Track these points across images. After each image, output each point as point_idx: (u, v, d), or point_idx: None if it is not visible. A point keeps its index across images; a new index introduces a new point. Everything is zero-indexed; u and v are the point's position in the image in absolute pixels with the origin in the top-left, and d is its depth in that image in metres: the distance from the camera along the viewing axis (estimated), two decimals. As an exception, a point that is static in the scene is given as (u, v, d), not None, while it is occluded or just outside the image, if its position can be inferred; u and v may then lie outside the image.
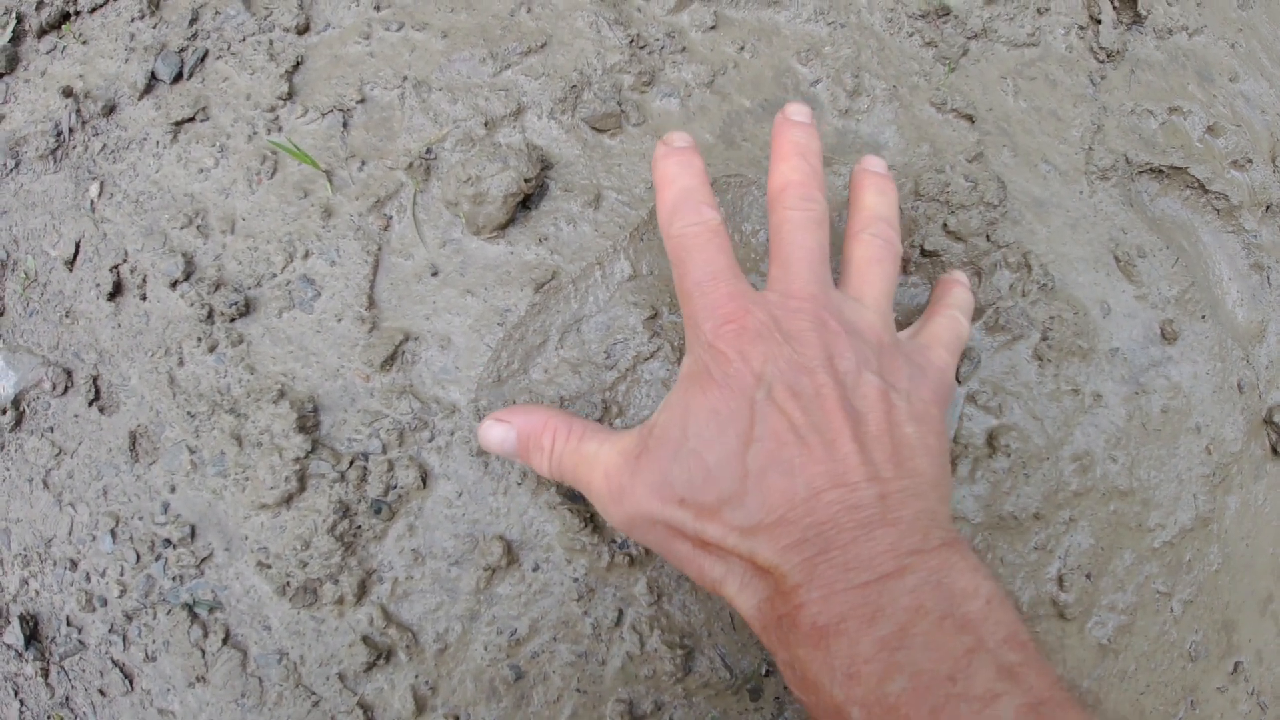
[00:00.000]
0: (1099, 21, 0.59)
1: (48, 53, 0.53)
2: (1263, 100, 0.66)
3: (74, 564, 0.46)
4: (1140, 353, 0.53)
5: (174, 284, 0.46)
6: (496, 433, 0.36)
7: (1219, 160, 0.61)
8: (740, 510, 0.28)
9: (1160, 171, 0.59)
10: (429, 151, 0.46)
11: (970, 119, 0.52)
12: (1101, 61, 0.59)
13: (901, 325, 0.46)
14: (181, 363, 0.45)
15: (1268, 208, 0.62)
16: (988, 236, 0.49)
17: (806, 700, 0.27)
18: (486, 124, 0.46)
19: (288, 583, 0.42)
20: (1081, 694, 0.50)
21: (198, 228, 0.47)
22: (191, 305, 0.45)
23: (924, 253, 0.48)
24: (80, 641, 0.46)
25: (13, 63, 0.53)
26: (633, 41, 0.48)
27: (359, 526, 0.42)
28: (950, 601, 0.25)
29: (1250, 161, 0.62)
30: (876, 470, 0.28)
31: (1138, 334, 0.54)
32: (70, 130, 0.50)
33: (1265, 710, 0.58)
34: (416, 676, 0.42)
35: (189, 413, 0.44)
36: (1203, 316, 0.57)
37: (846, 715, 0.25)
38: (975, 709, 0.23)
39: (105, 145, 0.50)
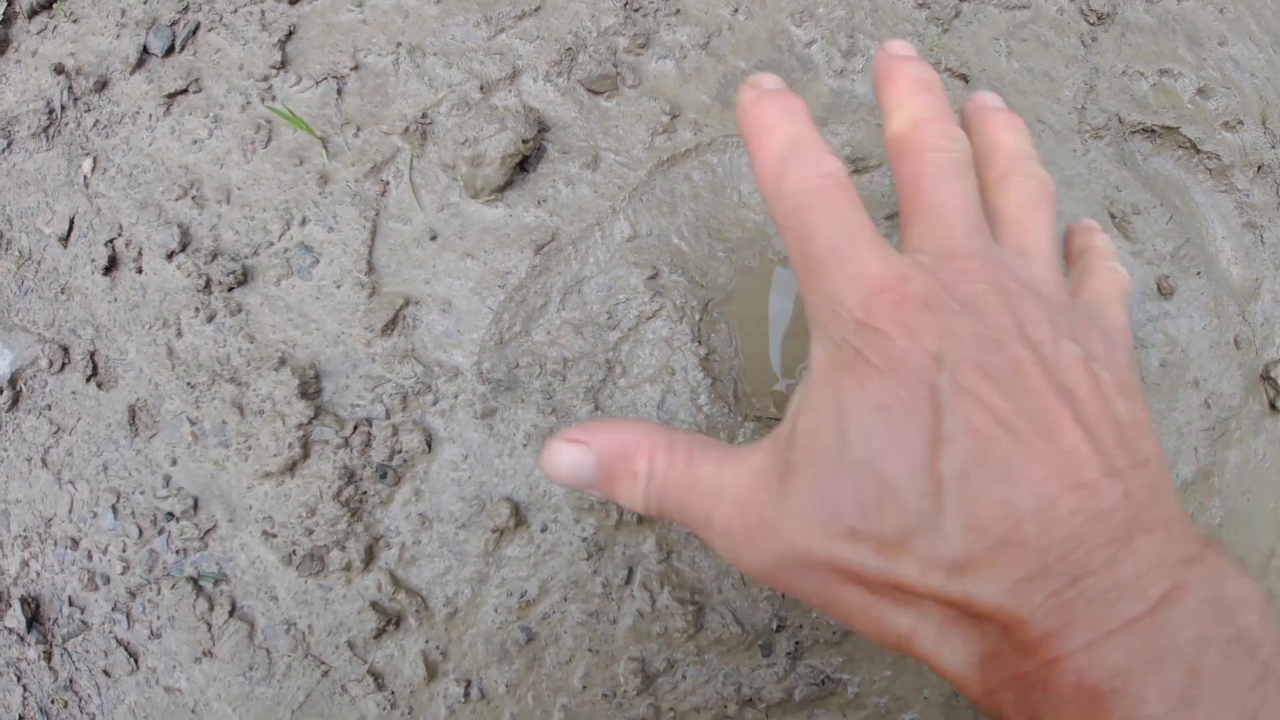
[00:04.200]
0: (1088, -17, 0.59)
1: (38, 33, 0.52)
2: (1251, 64, 0.66)
3: (75, 543, 0.46)
4: (1138, 307, 0.54)
5: (170, 255, 0.45)
6: (568, 458, 0.27)
7: (1210, 121, 0.61)
8: (940, 538, 0.21)
9: (1153, 131, 0.59)
10: (425, 116, 0.46)
11: (965, 79, 0.52)
12: (1092, 24, 0.59)
13: None
14: (180, 334, 0.45)
15: (1259, 168, 0.62)
16: (985, 192, 0.49)
17: None
18: (482, 88, 0.46)
19: (294, 551, 0.42)
20: None
21: (193, 199, 0.46)
22: (188, 276, 0.45)
23: (922, 208, 0.48)
24: (83, 622, 0.46)
25: (3, 44, 0.52)
26: (627, 4, 0.48)
27: (364, 492, 0.42)
28: (1230, 620, 0.20)
29: (1241, 123, 0.63)
30: (1112, 462, 0.22)
31: (1135, 289, 0.54)
32: (62, 107, 0.50)
33: (1270, 666, 0.59)
34: (427, 641, 0.42)
35: (189, 384, 0.44)
36: (1198, 273, 0.57)
37: None
38: None
39: (98, 121, 0.49)
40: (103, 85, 0.50)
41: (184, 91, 0.48)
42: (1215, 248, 0.61)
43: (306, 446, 0.42)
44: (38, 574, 0.46)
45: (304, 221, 0.45)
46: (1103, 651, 0.20)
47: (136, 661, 0.44)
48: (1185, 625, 0.20)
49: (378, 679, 0.42)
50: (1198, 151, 0.60)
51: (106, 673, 0.45)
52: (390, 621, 0.41)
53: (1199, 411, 0.54)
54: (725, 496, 0.25)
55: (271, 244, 0.45)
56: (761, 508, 0.24)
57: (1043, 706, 0.20)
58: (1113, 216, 0.54)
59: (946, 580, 0.21)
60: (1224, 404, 0.56)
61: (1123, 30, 0.61)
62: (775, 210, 0.26)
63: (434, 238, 0.45)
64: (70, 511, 0.46)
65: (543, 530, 0.42)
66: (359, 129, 0.46)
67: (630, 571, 0.42)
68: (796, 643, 0.43)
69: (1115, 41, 0.60)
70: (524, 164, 0.45)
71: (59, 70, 0.50)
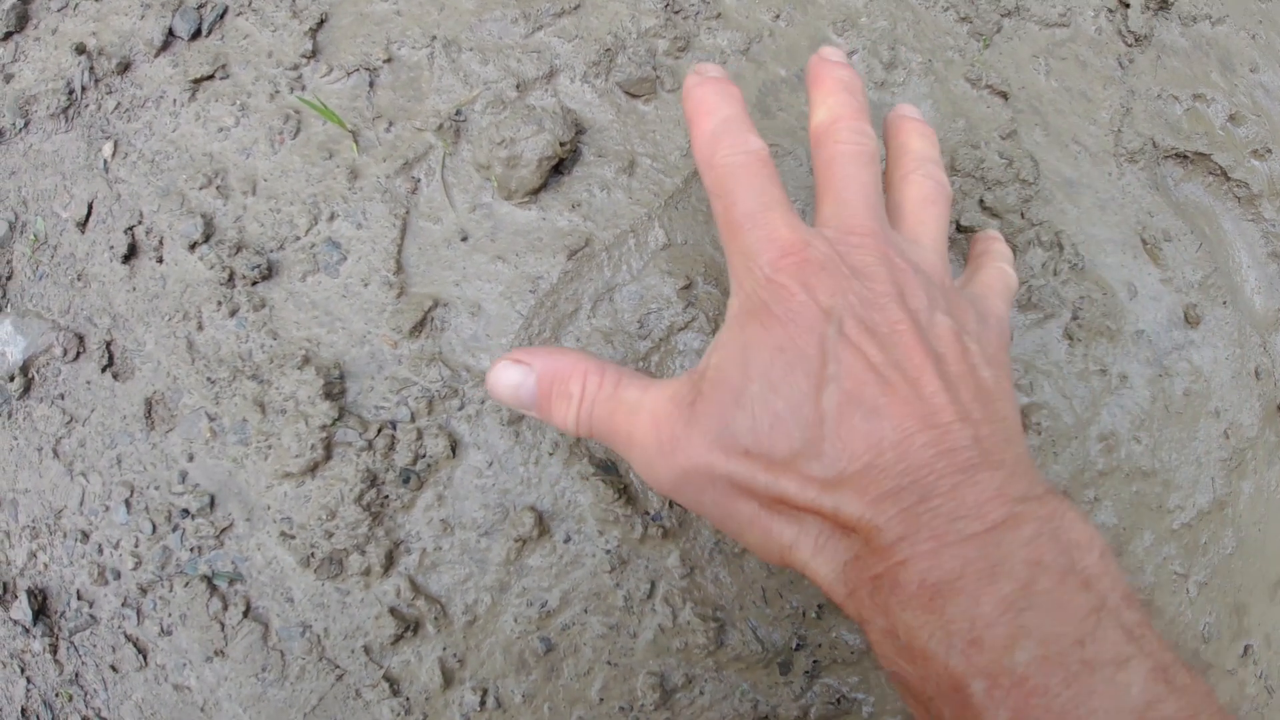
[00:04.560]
0: (1127, 5, 0.59)
1: (59, 10, 0.51)
2: (1281, 90, 0.66)
3: (85, 535, 0.45)
4: (1164, 335, 0.54)
5: (192, 246, 0.44)
6: (511, 376, 0.31)
7: (1240, 149, 0.61)
8: (818, 461, 0.25)
9: (1185, 157, 0.59)
10: (459, 113, 0.45)
11: (1004, 96, 0.52)
12: (1129, 45, 0.59)
13: None
14: (201, 327, 0.44)
15: (1286, 196, 0.62)
16: (1022, 214, 0.49)
17: (909, 672, 0.24)
18: (518, 86, 0.45)
19: (312, 554, 0.41)
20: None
21: (217, 188, 0.45)
22: (211, 268, 0.44)
23: (960, 228, 0.48)
24: (91, 616, 0.45)
25: (23, 21, 0.51)
26: (667, 6, 0.47)
27: (386, 496, 0.41)
28: (1068, 555, 0.23)
29: (1270, 151, 0.63)
30: (966, 411, 0.26)
31: (1162, 317, 0.54)
32: (83, 89, 0.49)
33: (1272, 694, 0.59)
34: (444, 649, 0.41)
35: (208, 379, 0.43)
36: (1224, 302, 0.57)
37: (965, 688, 0.22)
38: (1107, 676, 0.21)
39: (120, 104, 0.48)
40: (125, 67, 0.48)
41: (210, 77, 0.47)
42: (1240, 277, 0.60)
43: (329, 448, 0.41)
44: (45, 566, 0.45)
45: (332, 217, 0.44)
46: (943, 558, 0.23)
47: (145, 658, 0.44)
48: (1020, 548, 0.23)
49: (393, 685, 0.41)
50: (1227, 179, 0.60)
51: (114, 668, 0.44)
52: (408, 627, 0.41)
53: (1218, 441, 0.54)
54: (645, 415, 0.29)
55: (298, 238, 0.44)
56: (674, 426, 0.28)
57: (892, 600, 0.24)
58: (1144, 242, 0.54)
59: (820, 495, 0.26)
60: (1242, 434, 0.56)
61: (1158, 53, 0.60)
62: (707, 179, 0.31)
63: (465, 239, 0.44)
64: (81, 504, 0.45)
65: (566, 541, 0.42)
66: (391, 123, 0.45)
67: (653, 585, 0.42)
68: (815, 661, 0.43)
69: (1151, 64, 0.59)
70: (559, 167, 0.44)
71: (80, 50, 0.49)
